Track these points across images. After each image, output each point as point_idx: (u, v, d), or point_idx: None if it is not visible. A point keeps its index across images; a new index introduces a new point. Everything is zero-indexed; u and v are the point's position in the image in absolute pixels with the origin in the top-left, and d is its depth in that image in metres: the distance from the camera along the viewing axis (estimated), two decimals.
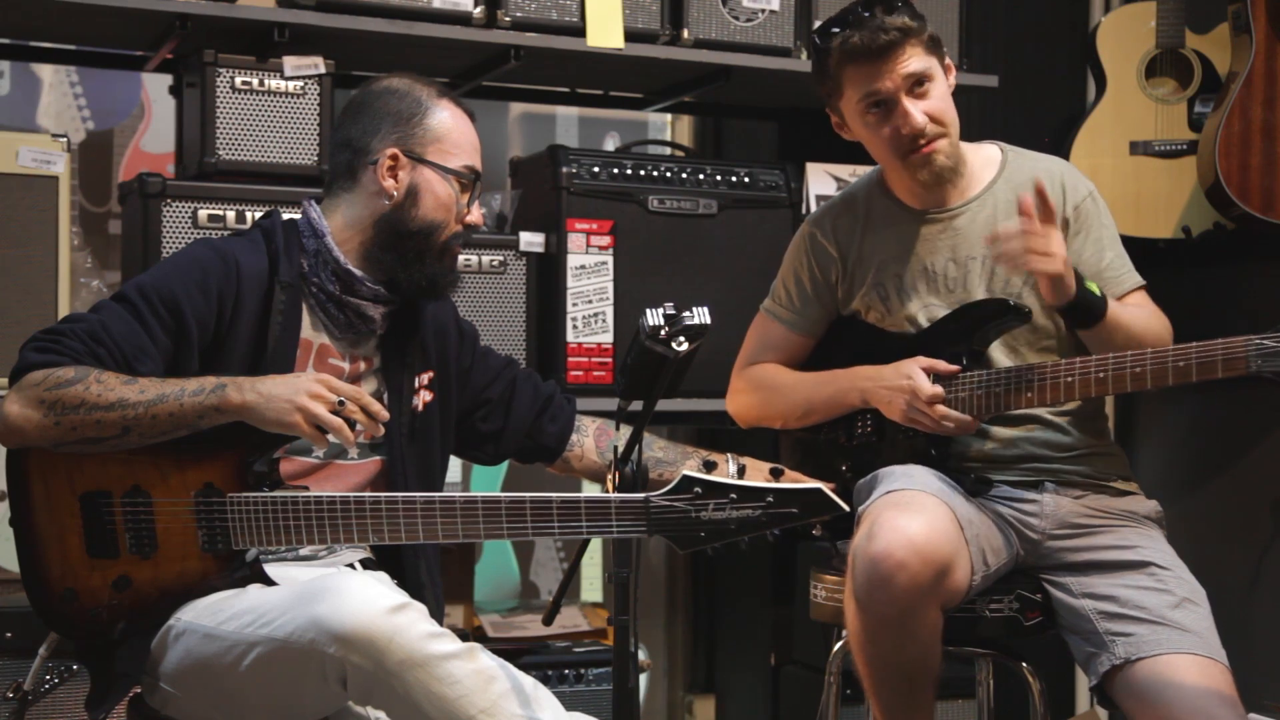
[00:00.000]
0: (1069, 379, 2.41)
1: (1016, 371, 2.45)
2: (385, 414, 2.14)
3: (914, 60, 2.50)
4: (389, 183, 2.34)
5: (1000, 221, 2.56)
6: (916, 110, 2.50)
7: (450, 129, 2.38)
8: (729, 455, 2.59)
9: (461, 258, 3.17)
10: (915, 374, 2.51)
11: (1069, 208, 2.57)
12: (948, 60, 2.60)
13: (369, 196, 2.35)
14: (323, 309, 2.33)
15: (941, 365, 2.51)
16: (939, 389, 2.49)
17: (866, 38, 2.49)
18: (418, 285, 2.35)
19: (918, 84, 2.51)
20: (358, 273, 2.32)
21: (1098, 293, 2.45)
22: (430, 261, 2.35)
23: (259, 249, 2.31)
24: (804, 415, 2.70)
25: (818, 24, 3.42)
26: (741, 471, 2.55)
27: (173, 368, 2.20)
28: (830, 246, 2.69)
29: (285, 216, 2.39)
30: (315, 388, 2.08)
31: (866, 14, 2.50)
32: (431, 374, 2.45)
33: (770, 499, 2.02)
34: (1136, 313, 2.52)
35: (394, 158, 2.34)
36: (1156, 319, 2.56)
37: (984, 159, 2.65)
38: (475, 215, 2.40)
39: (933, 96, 2.52)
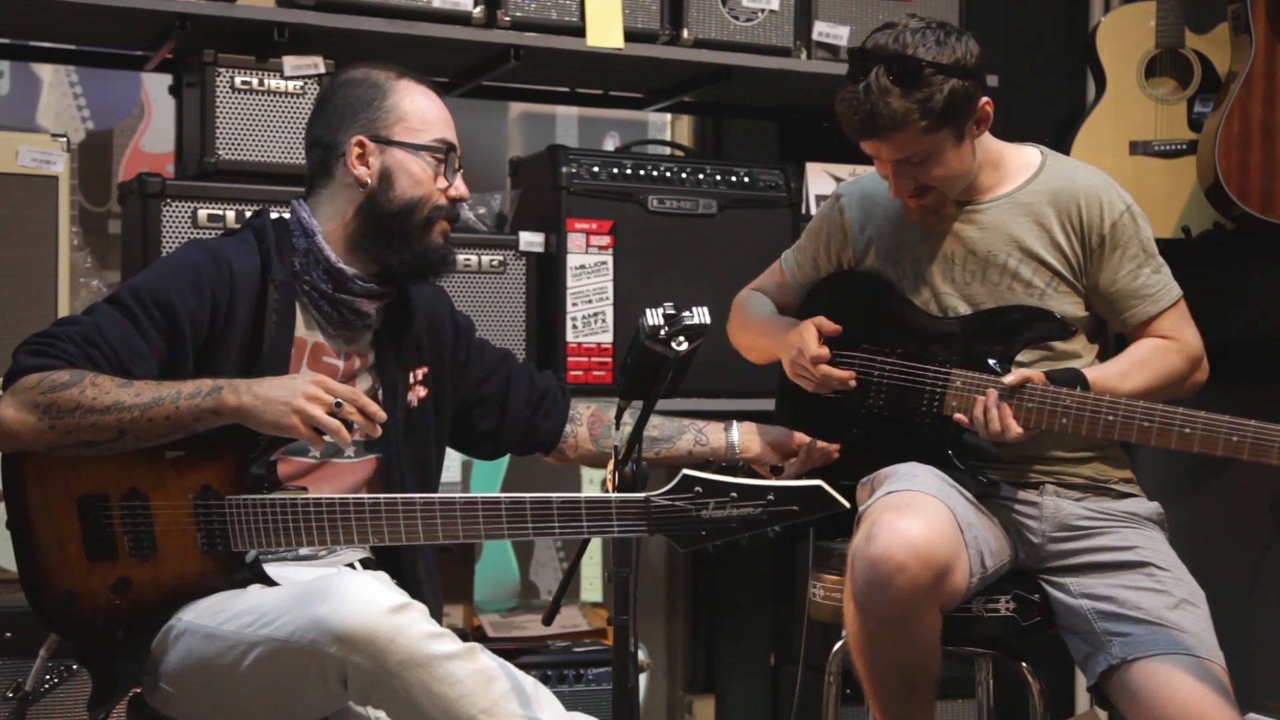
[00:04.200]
0: (1110, 418, 2.37)
1: (1058, 395, 2.40)
2: (382, 414, 2.13)
3: (904, 147, 2.45)
4: (360, 170, 2.32)
5: (1027, 224, 2.54)
6: (901, 181, 2.50)
7: (412, 106, 2.35)
8: (725, 424, 2.59)
9: (462, 258, 3.20)
10: (805, 332, 2.57)
11: (1105, 225, 2.53)
12: (982, 110, 2.49)
13: (346, 189, 2.34)
14: (316, 307, 2.32)
15: (828, 325, 2.56)
16: (824, 350, 2.55)
17: (861, 116, 2.43)
18: (409, 267, 2.33)
19: (909, 159, 2.48)
20: (349, 270, 2.31)
21: (1075, 373, 2.46)
22: (416, 240, 2.33)
23: (251, 248, 2.30)
24: (749, 348, 2.79)
25: (818, 24, 3.48)
26: (740, 467, 2.55)
27: (167, 370, 2.18)
28: (847, 221, 2.69)
29: (274, 215, 2.38)
30: (312, 389, 2.08)
31: (878, 81, 2.41)
32: (426, 369, 2.44)
33: (771, 497, 2.02)
34: (1128, 366, 2.50)
35: (360, 145, 2.32)
36: (1166, 353, 2.53)
37: (1023, 160, 2.62)
38: (460, 188, 2.37)
39: (927, 167, 2.48)
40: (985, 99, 2.51)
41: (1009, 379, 2.43)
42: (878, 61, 2.43)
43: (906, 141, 2.44)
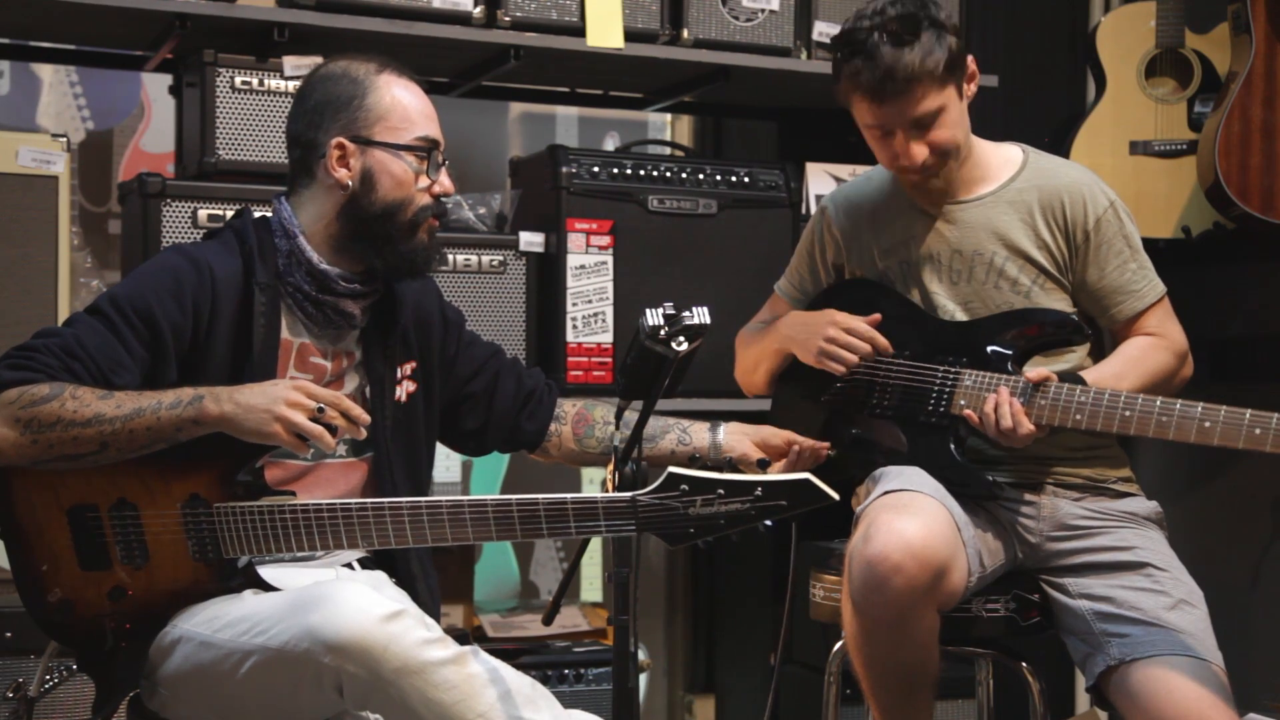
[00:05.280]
0: (1127, 413, 2.36)
1: (1073, 391, 2.40)
2: (366, 417, 2.11)
3: (923, 102, 2.45)
4: (341, 173, 2.28)
5: (1012, 222, 2.55)
6: (916, 147, 2.48)
7: (393, 104, 2.31)
8: (711, 423, 2.58)
9: (462, 258, 3.20)
10: (836, 313, 2.56)
11: (1090, 221, 2.54)
12: (971, 68, 2.53)
13: (327, 190, 2.30)
14: (300, 308, 2.30)
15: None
16: (865, 326, 2.53)
17: (874, 80, 2.43)
18: (395, 268, 2.31)
19: (924, 119, 2.47)
20: (333, 270, 2.29)
21: (1075, 376, 2.46)
22: (401, 242, 2.30)
23: (232, 251, 2.28)
24: (754, 368, 2.75)
25: (818, 24, 3.49)
26: (727, 464, 2.54)
27: (150, 379, 2.17)
28: (835, 228, 2.70)
29: (256, 214, 2.36)
30: (294, 396, 2.06)
31: (883, 43, 2.42)
32: (414, 364, 2.42)
33: (759, 492, 2.01)
34: (1122, 367, 2.51)
35: (340, 146, 2.28)
36: (1156, 351, 2.54)
37: (1003, 158, 2.63)
38: (445, 183, 2.33)
39: (940, 126, 2.48)
40: (970, 57, 2.54)
41: (1030, 374, 2.43)
42: (872, 31, 2.44)
43: (921, 97, 2.44)
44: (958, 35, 2.49)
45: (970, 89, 2.55)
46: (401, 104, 2.31)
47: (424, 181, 2.31)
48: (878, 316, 2.56)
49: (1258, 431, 2.26)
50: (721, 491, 2.01)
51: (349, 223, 2.29)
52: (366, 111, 2.30)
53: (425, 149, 2.31)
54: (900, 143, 2.49)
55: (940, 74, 2.44)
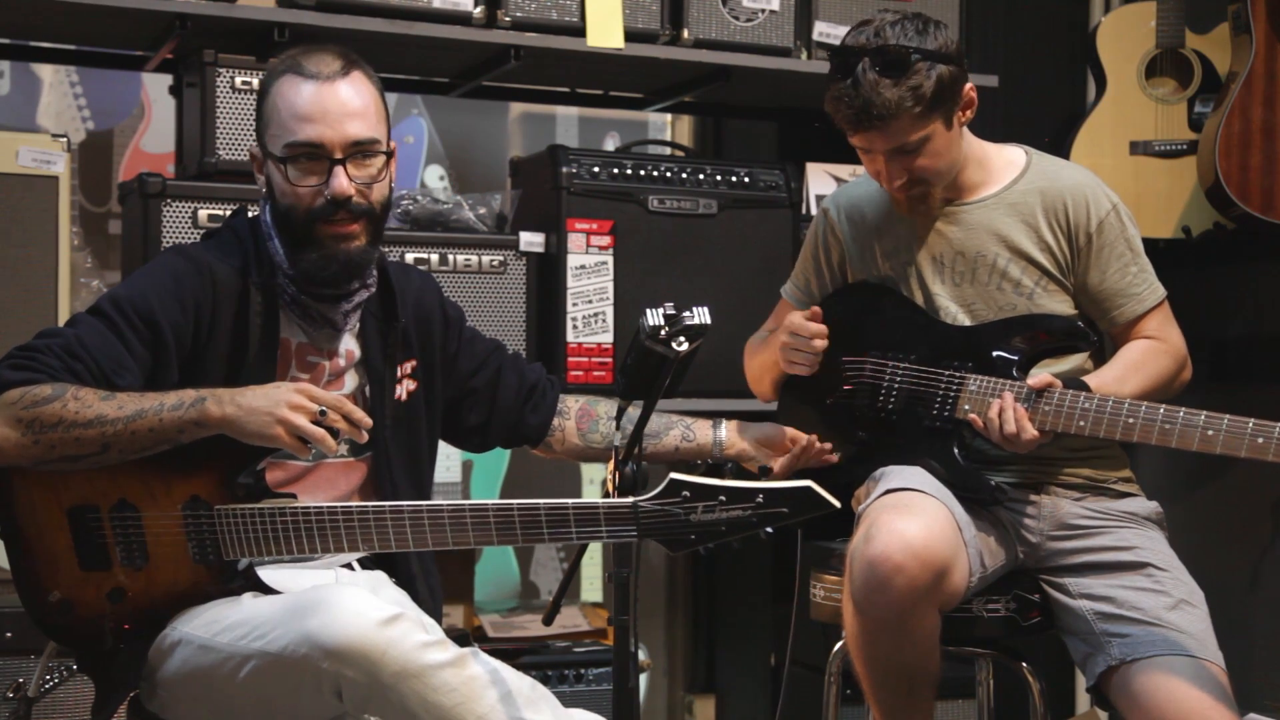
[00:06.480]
0: (1130, 420, 2.36)
1: (1077, 397, 2.40)
2: (368, 421, 2.11)
3: (901, 135, 2.44)
4: (260, 179, 2.31)
5: (1014, 223, 2.55)
6: (897, 171, 2.49)
7: (274, 110, 2.26)
8: (714, 421, 2.58)
9: (462, 258, 3.20)
10: (792, 316, 2.58)
11: (1092, 224, 2.54)
12: (968, 96, 2.51)
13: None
14: (295, 306, 2.29)
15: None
16: (821, 327, 2.54)
17: (852, 109, 2.43)
18: (309, 277, 2.26)
19: (905, 148, 2.47)
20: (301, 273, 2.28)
21: (1078, 381, 2.46)
22: (303, 249, 2.25)
23: (231, 251, 2.28)
24: (760, 378, 2.76)
25: (818, 24, 3.49)
26: (727, 467, 2.54)
27: (152, 380, 2.16)
28: (838, 229, 2.70)
29: (251, 214, 2.36)
30: (296, 399, 2.05)
31: (869, 70, 2.42)
32: (415, 362, 2.41)
33: (760, 499, 2.01)
34: (1123, 371, 2.51)
35: (252, 156, 2.32)
36: (1157, 355, 2.54)
37: (1006, 160, 2.63)
38: (339, 185, 2.22)
39: (924, 154, 2.48)
40: (969, 84, 2.52)
41: (1032, 381, 2.43)
42: (863, 55, 2.44)
43: (900, 130, 2.44)
44: (955, 63, 2.47)
45: (965, 116, 2.53)
46: (280, 110, 2.25)
47: (309, 182, 2.24)
48: (817, 310, 2.58)
49: (1260, 441, 2.26)
50: (723, 498, 2.01)
51: (277, 229, 2.29)
52: (264, 120, 2.28)
53: (287, 156, 2.24)
54: (881, 164, 2.50)
55: (923, 109, 2.43)
